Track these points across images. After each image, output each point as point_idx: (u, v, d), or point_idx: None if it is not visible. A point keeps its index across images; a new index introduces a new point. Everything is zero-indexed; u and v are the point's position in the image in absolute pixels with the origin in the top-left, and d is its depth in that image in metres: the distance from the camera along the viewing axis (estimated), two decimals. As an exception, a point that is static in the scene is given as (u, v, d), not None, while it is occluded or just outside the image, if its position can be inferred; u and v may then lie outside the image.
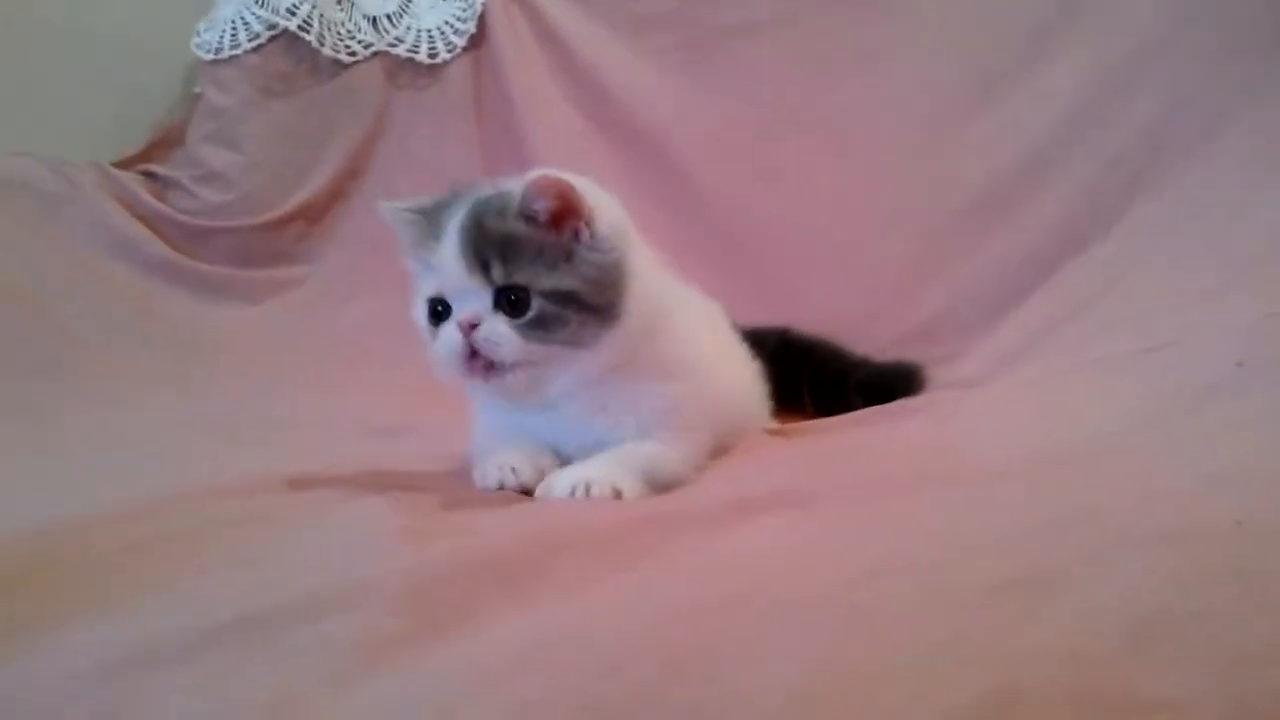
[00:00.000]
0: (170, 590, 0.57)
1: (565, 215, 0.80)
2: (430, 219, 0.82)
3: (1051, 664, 0.39)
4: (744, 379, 1.07)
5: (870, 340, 1.40)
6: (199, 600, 0.54)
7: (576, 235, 0.81)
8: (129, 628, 0.50)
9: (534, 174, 0.80)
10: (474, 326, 0.78)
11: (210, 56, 1.75)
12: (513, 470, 0.81)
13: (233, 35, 1.74)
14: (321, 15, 1.72)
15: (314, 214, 1.72)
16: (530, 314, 0.78)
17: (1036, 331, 1.18)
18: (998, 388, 1.10)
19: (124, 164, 1.74)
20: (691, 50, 1.65)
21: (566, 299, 0.79)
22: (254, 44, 1.74)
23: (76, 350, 1.43)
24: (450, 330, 0.79)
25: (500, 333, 0.78)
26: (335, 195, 1.73)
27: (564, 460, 0.84)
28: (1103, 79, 1.32)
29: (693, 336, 0.92)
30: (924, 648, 0.41)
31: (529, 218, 0.79)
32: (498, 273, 0.78)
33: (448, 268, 0.79)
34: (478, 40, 1.75)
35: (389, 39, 1.76)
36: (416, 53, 1.75)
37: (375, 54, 1.76)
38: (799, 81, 1.58)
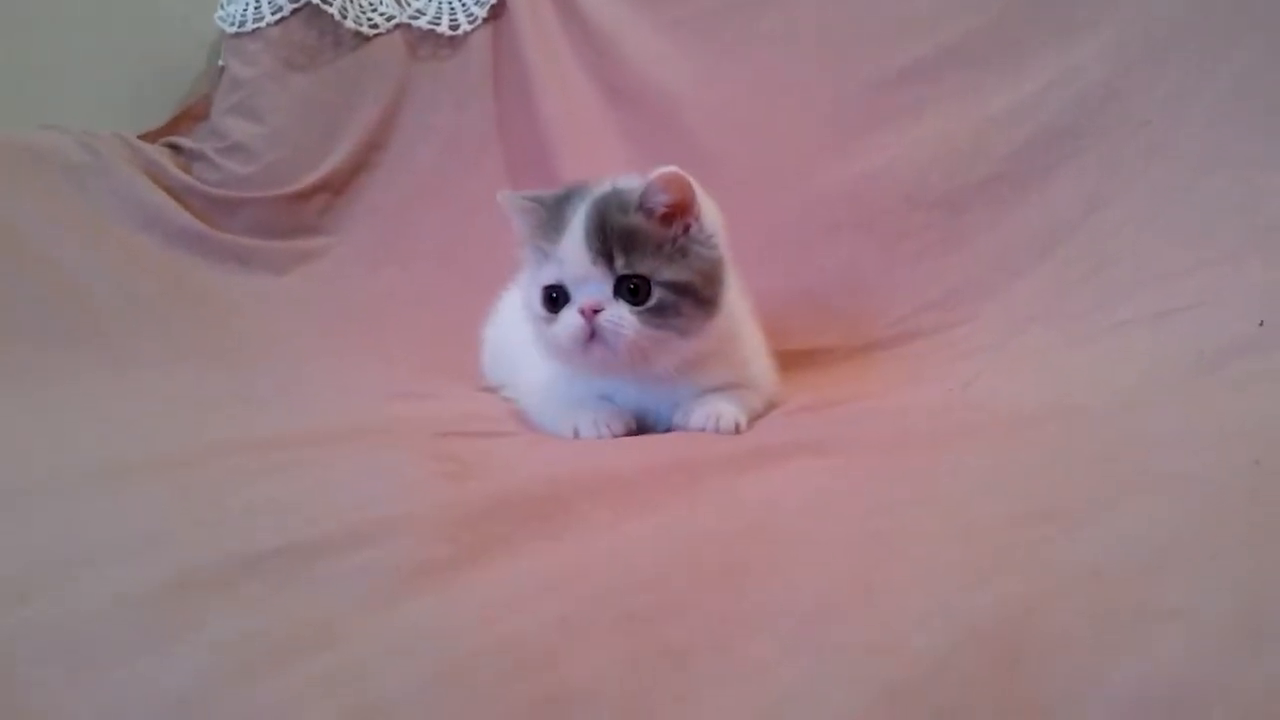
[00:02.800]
0: (212, 524, 0.58)
1: (680, 211, 0.87)
2: (550, 211, 0.88)
3: (1071, 579, 0.40)
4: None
5: (890, 309, 1.40)
6: (242, 533, 0.55)
7: (686, 230, 0.88)
8: (172, 556, 0.51)
9: (660, 170, 0.85)
10: (595, 312, 0.83)
11: (233, 29, 1.76)
12: (607, 425, 0.87)
13: (256, 8, 1.75)
14: (344, -13, 1.73)
15: (337, 185, 1.72)
16: (650, 302, 0.84)
17: (1054, 295, 1.18)
18: (1016, 351, 1.10)
19: (150, 136, 1.74)
20: (709, 20, 1.64)
21: (682, 290, 0.85)
22: (277, 17, 1.74)
23: (103, 318, 1.43)
24: (572, 315, 0.84)
25: (623, 318, 0.83)
26: (358, 166, 1.73)
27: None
28: (1129, 55, 1.31)
29: (747, 316, 1.01)
30: (947, 565, 0.43)
31: (647, 212, 0.86)
32: (620, 263, 0.84)
33: (572, 257, 0.85)
34: (497, 11, 1.75)
35: (410, 11, 1.76)
36: (438, 24, 1.75)
37: (397, 26, 1.76)
38: (817, 52, 1.57)
